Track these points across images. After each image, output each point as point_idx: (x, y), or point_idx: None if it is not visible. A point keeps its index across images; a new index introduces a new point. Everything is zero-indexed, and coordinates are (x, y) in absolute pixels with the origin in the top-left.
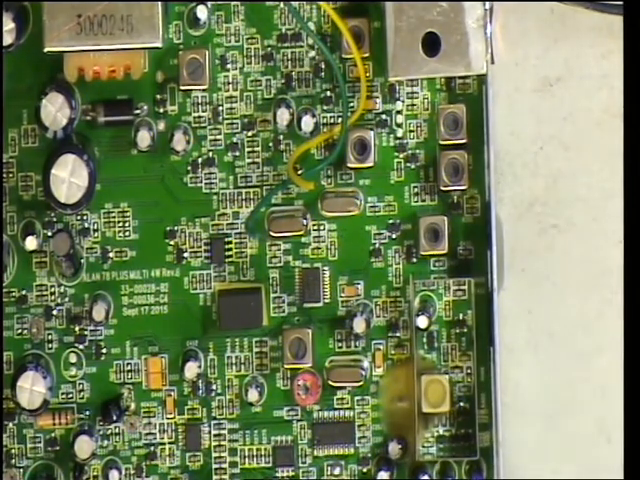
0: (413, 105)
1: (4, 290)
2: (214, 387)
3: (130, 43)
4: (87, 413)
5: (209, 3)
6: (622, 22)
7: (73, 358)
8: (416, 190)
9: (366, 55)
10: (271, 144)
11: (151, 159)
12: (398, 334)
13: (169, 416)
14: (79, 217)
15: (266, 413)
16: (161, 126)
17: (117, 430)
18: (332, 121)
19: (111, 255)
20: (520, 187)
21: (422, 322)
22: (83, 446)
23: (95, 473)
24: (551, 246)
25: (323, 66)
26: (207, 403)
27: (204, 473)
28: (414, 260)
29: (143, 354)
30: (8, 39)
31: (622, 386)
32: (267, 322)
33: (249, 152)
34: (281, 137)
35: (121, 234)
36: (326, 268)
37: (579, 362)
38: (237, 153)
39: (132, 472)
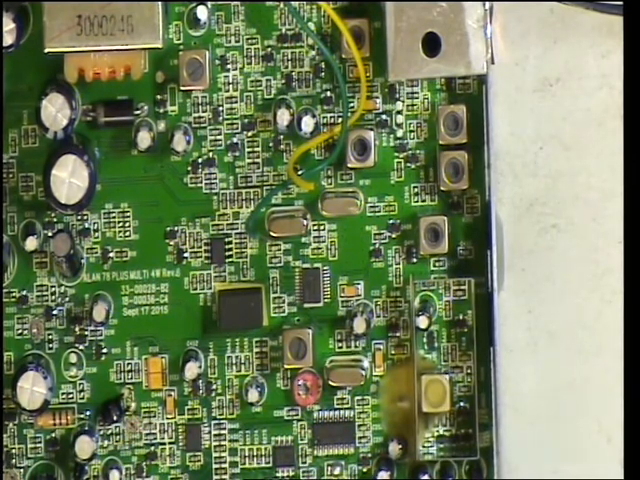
0: (413, 105)
1: (4, 290)
2: (214, 387)
3: (130, 43)
4: (87, 413)
5: (209, 3)
6: (622, 22)
7: (73, 358)
8: (416, 190)
9: (366, 55)
10: (271, 144)
11: (151, 159)
12: (398, 334)
13: (169, 416)
14: (79, 217)
15: (266, 413)
16: (161, 126)
17: (117, 430)
18: (332, 121)
19: (111, 255)
20: (520, 187)
21: (422, 322)
22: (83, 446)
23: (95, 473)
24: (551, 246)
25: (323, 66)
26: (207, 403)
27: (204, 473)
28: (414, 260)
29: (143, 354)
30: (8, 39)
31: (622, 386)
32: (267, 322)
33: (249, 152)
34: (281, 137)
35: (121, 234)
36: (326, 268)
37: (579, 362)
38: (237, 153)
39: (132, 472)
